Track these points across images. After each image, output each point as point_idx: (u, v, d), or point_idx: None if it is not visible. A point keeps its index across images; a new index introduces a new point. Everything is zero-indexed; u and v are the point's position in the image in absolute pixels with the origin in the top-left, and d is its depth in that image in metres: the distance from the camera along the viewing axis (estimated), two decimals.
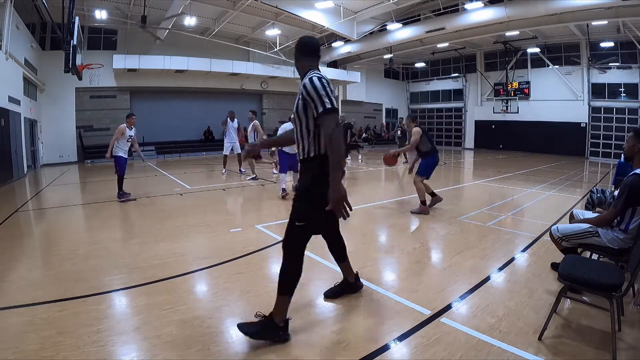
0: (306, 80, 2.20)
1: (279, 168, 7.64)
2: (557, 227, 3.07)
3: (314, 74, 2.22)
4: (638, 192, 2.57)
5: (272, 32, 16.76)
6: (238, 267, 3.57)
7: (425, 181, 5.86)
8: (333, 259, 2.96)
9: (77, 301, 2.80)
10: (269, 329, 2.26)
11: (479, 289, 3.03)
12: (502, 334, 2.34)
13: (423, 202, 5.72)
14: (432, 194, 6.04)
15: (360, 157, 14.51)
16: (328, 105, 2.10)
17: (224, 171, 10.63)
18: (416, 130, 5.81)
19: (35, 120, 13.82)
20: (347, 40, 18.46)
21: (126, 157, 7.14)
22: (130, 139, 7.11)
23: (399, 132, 14.93)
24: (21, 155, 11.09)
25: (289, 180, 7.69)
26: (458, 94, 24.32)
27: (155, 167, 13.15)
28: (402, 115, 26.77)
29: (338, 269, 2.98)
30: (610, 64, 17.19)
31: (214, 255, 3.89)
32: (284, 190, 7.01)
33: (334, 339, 2.32)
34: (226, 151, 10.53)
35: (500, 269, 3.50)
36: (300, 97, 2.22)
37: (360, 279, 3.02)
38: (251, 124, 9.28)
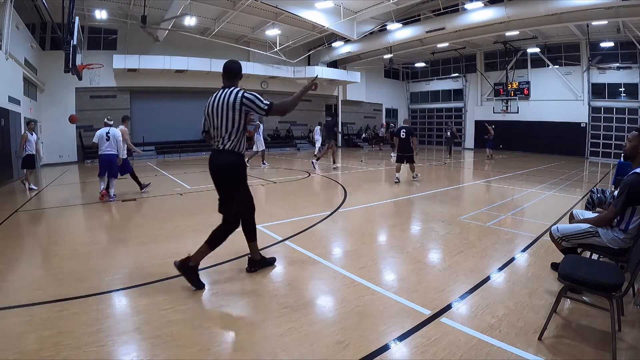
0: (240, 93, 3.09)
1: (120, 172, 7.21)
2: (557, 227, 3.07)
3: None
4: (638, 191, 2.57)
5: (272, 32, 16.77)
6: (238, 267, 3.56)
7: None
8: (333, 259, 2.98)
9: (77, 301, 2.80)
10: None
11: (479, 289, 3.03)
12: (502, 334, 2.34)
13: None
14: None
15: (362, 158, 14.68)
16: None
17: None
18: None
19: (35, 120, 13.82)
20: (347, 40, 18.47)
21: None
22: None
23: (448, 133, 17.31)
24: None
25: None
26: (458, 94, 24.34)
27: (155, 167, 13.15)
28: (403, 115, 26.84)
29: (338, 268, 3.04)
30: (610, 64, 17.20)
31: (214, 255, 3.86)
32: (109, 194, 6.84)
33: (334, 339, 2.31)
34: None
35: (500, 269, 3.49)
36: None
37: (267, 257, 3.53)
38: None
